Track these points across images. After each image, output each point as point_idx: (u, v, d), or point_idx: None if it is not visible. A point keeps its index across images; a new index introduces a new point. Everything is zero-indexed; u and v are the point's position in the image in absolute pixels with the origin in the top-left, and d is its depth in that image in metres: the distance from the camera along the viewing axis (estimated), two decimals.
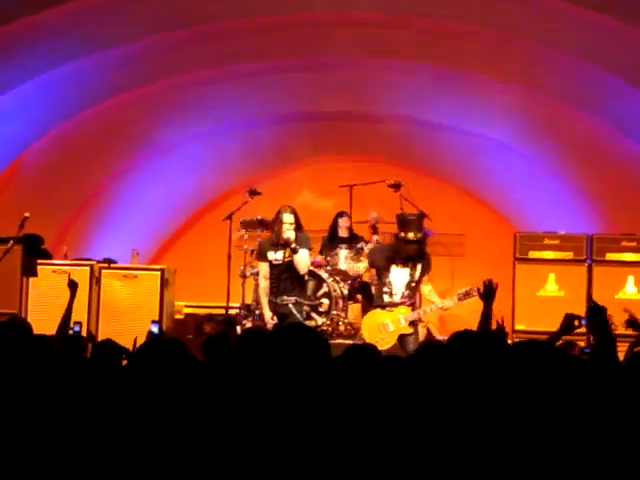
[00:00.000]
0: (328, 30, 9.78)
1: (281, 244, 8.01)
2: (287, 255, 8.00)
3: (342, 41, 9.87)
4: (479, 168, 11.57)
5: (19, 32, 9.00)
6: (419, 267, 7.82)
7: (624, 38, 8.90)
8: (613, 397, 3.02)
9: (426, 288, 7.90)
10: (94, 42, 9.46)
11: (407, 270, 7.81)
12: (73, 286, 6.42)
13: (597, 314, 3.95)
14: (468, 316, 8.54)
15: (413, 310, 7.82)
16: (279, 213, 8.05)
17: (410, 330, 7.75)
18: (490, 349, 3.07)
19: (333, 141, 11.83)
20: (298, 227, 8.04)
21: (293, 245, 7.93)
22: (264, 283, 8.12)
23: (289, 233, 7.93)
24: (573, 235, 9.64)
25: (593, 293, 9.14)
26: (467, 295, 7.48)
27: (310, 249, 8.23)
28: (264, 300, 8.08)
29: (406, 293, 7.81)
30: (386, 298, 7.83)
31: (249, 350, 3.65)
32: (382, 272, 7.85)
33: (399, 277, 7.82)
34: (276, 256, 8.09)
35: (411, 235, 7.75)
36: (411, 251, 7.77)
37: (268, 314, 8.00)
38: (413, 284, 7.84)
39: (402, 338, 7.74)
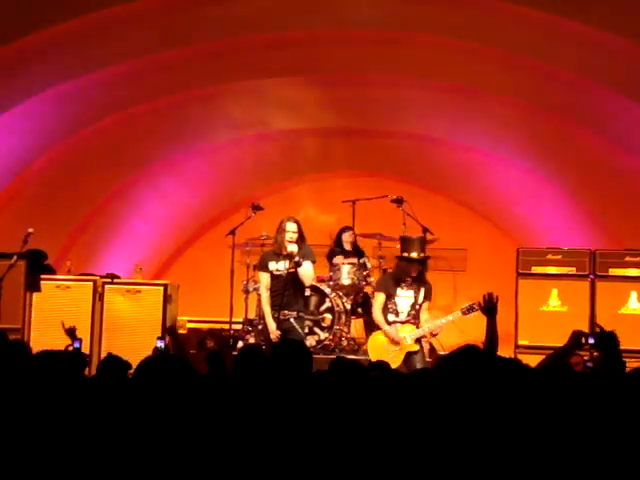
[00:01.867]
0: (330, 47, 9.81)
1: (283, 255, 7.93)
2: (289, 267, 7.90)
3: (342, 58, 9.90)
4: (481, 183, 11.60)
5: (20, 51, 9.04)
6: (422, 291, 7.89)
7: (626, 55, 8.93)
8: (618, 415, 3.03)
9: (423, 316, 7.94)
10: (95, 60, 9.49)
11: (411, 292, 7.90)
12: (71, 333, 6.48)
13: (606, 340, 3.92)
14: (471, 331, 8.57)
15: (417, 328, 7.86)
16: (282, 222, 7.97)
17: (416, 347, 7.80)
18: (485, 366, 3.08)
19: (336, 157, 11.86)
20: (301, 238, 7.96)
21: (296, 258, 7.81)
22: (266, 293, 8.04)
23: (292, 246, 7.83)
24: (576, 250, 9.62)
25: (596, 308, 9.14)
26: (471, 309, 7.51)
27: (314, 262, 8.13)
28: (267, 309, 7.99)
29: (412, 313, 7.87)
30: (391, 317, 7.89)
31: (246, 367, 3.67)
32: (390, 295, 7.90)
33: (404, 298, 7.88)
34: (277, 266, 8.00)
35: (414, 254, 7.83)
36: (414, 270, 7.83)
37: (272, 325, 7.91)
38: (417, 306, 7.89)
39: (408, 356, 7.77)
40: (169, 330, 6.61)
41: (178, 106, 10.76)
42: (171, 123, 11.02)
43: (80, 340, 6.34)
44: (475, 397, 2.92)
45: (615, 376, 3.70)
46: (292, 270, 7.89)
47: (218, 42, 9.75)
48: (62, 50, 9.27)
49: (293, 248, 7.83)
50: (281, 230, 7.96)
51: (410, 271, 7.86)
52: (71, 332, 6.44)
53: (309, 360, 3.71)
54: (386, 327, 7.86)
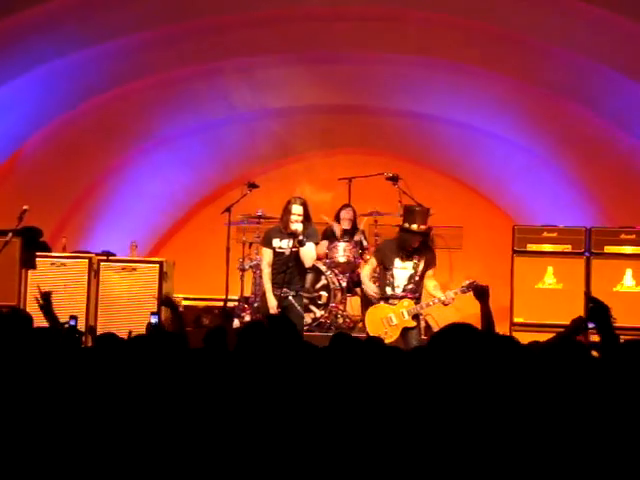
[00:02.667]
0: (325, 24, 9.77)
1: (288, 234, 7.96)
2: (292, 246, 7.94)
3: (340, 35, 9.87)
4: (477, 161, 11.58)
5: (15, 26, 9.00)
6: (423, 261, 7.82)
7: (623, 32, 8.91)
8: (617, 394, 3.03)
9: (430, 283, 7.86)
10: (91, 35, 9.46)
11: (410, 264, 7.80)
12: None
13: (599, 314, 3.93)
14: (467, 308, 8.57)
15: (416, 304, 7.82)
16: (289, 203, 8.01)
17: (413, 323, 7.75)
18: (481, 344, 3.08)
19: (332, 134, 11.82)
20: (307, 218, 8.01)
21: (300, 237, 7.87)
22: (267, 269, 8.06)
23: (297, 225, 7.89)
24: (572, 228, 9.63)
25: (591, 286, 9.14)
26: (470, 287, 7.46)
27: (317, 243, 8.22)
28: (268, 286, 8.00)
29: (409, 287, 7.81)
30: (388, 290, 7.82)
31: (250, 343, 3.67)
32: (386, 265, 7.86)
33: (402, 270, 7.82)
34: (281, 244, 8.04)
35: (415, 226, 7.76)
36: (415, 242, 7.77)
37: (273, 301, 7.93)
38: (417, 278, 7.82)
39: (405, 332, 7.74)
40: (165, 301, 6.50)
41: (174, 83, 10.73)
42: (167, 100, 10.99)
43: (75, 318, 6.29)
44: (467, 374, 2.93)
45: (610, 352, 3.70)
46: (295, 250, 7.94)
47: (214, 19, 9.71)
48: (56, 27, 9.24)
49: (298, 227, 7.89)
50: (287, 211, 8.00)
51: (410, 243, 7.79)
52: (47, 297, 6.11)
53: (297, 337, 3.72)
54: (368, 284, 7.89)
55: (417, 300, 7.84)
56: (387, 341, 7.19)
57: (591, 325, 4.26)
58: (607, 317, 3.91)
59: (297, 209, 7.94)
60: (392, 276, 7.80)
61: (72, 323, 6.02)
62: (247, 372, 3.43)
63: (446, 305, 7.75)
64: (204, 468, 3.04)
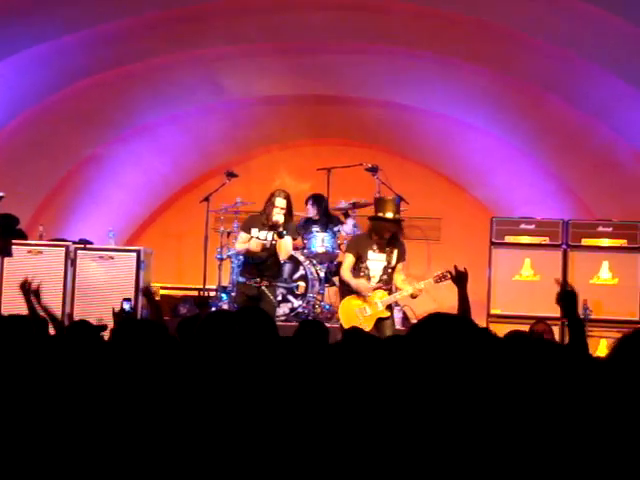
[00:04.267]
0: (305, 14, 9.75)
1: (269, 226, 8.09)
2: (272, 238, 8.11)
3: (319, 25, 9.84)
4: (457, 152, 11.60)
5: None
6: (395, 252, 7.84)
7: (601, 24, 8.93)
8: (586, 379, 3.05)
9: (399, 277, 7.89)
10: (71, 22, 9.38)
11: (384, 255, 7.83)
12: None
13: (567, 298, 3.98)
14: (444, 299, 8.60)
15: (390, 294, 7.84)
16: (272, 196, 8.19)
17: (387, 313, 7.78)
18: (462, 332, 3.09)
19: (311, 124, 11.81)
20: (289, 212, 8.15)
21: (280, 229, 8.03)
22: (242, 245, 8.31)
23: (278, 217, 8.03)
24: (549, 220, 9.68)
25: (568, 278, 9.18)
26: (443, 278, 7.50)
27: (295, 239, 8.43)
28: (244, 246, 8.25)
29: (383, 277, 7.83)
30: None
31: (214, 331, 3.68)
32: (361, 258, 7.86)
33: (376, 262, 7.83)
34: (259, 235, 8.18)
35: (389, 215, 7.78)
36: (387, 231, 7.77)
37: (255, 241, 8.17)
38: (389, 269, 7.85)
39: (379, 322, 7.76)
40: (144, 291, 6.48)
41: (151, 72, 10.66)
42: (146, 88, 10.92)
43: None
44: (445, 364, 2.93)
45: (577, 338, 3.74)
46: (274, 242, 8.11)
47: (196, 6, 9.67)
48: (35, 12, 9.15)
49: (279, 218, 8.04)
50: (270, 204, 8.14)
51: (383, 232, 7.78)
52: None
53: (272, 327, 3.73)
54: (354, 281, 7.77)
55: (390, 291, 7.86)
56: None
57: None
58: (575, 301, 3.98)
59: (280, 202, 8.10)
60: (367, 268, 7.82)
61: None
62: (211, 362, 3.43)
63: (414, 297, 7.79)
64: (181, 460, 3.03)
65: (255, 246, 8.19)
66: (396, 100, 11.09)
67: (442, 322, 3.16)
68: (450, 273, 5.32)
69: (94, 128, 11.17)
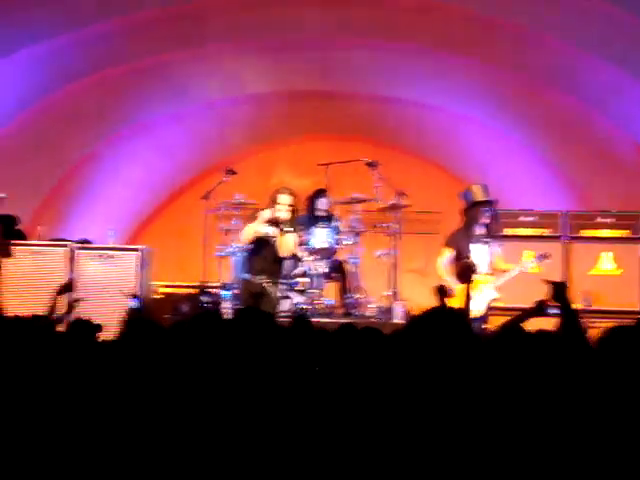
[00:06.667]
0: (300, 10, 9.75)
1: (274, 222, 8.21)
2: (275, 235, 8.25)
3: (315, 21, 9.84)
4: (456, 145, 11.59)
5: None
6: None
7: (596, 15, 8.92)
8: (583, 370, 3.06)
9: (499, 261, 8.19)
10: (69, 21, 9.39)
11: (486, 246, 8.08)
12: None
13: (557, 290, 4.01)
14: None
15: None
16: (276, 192, 8.22)
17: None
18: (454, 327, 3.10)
19: (310, 120, 11.81)
20: (293, 210, 8.21)
21: (282, 226, 8.12)
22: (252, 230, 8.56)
23: (282, 213, 8.12)
24: (549, 212, 9.69)
25: (568, 269, 9.20)
26: (544, 257, 7.86)
27: (299, 236, 8.56)
28: (253, 229, 8.49)
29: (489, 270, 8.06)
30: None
31: (202, 331, 3.69)
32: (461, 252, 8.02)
33: (480, 253, 8.04)
34: (264, 229, 8.31)
35: (484, 197, 8.15)
36: (486, 216, 8.10)
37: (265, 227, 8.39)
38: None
39: None
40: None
41: (152, 70, 10.67)
42: (145, 87, 10.93)
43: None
44: (442, 357, 2.95)
45: (570, 329, 3.75)
46: (275, 238, 8.30)
47: (193, 5, 9.68)
48: (32, 12, 9.16)
49: (282, 215, 8.22)
50: (274, 200, 8.31)
51: (481, 217, 7.93)
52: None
53: (272, 326, 3.74)
54: (445, 277, 7.93)
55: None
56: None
57: (553, 311, 4.33)
58: (565, 294, 4.02)
59: (284, 199, 8.20)
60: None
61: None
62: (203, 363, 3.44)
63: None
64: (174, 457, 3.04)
65: (262, 230, 8.28)
66: (393, 94, 11.08)
67: (439, 318, 3.18)
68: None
69: (93, 127, 11.18)
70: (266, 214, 8.28)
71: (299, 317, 4.51)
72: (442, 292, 5.17)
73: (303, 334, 3.96)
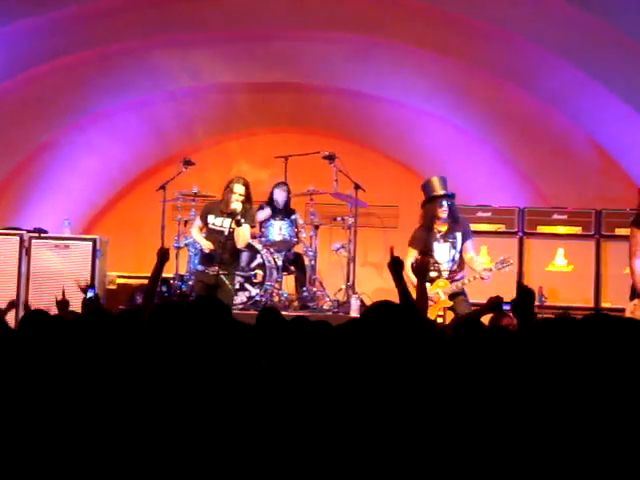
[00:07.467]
0: (263, 1, 9.72)
1: (227, 213, 8.10)
2: (230, 226, 8.08)
3: (276, 12, 9.81)
4: (414, 140, 11.61)
5: None
6: (459, 236, 8.03)
7: (557, 12, 8.99)
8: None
9: (467, 257, 8.02)
10: (27, 7, 9.26)
11: (448, 244, 7.95)
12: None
13: (524, 298, 4.03)
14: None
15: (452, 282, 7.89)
16: (231, 182, 8.22)
17: (450, 303, 7.85)
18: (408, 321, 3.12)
19: (269, 112, 11.77)
20: (247, 199, 8.15)
21: (238, 217, 8.03)
22: (197, 230, 8.48)
23: (236, 204, 8.03)
24: (505, 208, 9.77)
25: (524, 265, 9.28)
26: (504, 263, 7.68)
27: (253, 226, 8.43)
28: (200, 236, 8.39)
29: (454, 268, 7.96)
30: (434, 275, 7.91)
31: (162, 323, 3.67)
32: (425, 251, 7.93)
33: (442, 252, 7.94)
34: (215, 221, 8.23)
35: (442, 192, 8.03)
36: (442, 210, 7.98)
37: (206, 243, 8.25)
38: (458, 255, 7.99)
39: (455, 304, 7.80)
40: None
41: (111, 58, 10.56)
42: (104, 75, 10.81)
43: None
44: (392, 350, 2.96)
45: (527, 330, 3.79)
46: (232, 230, 8.09)
47: None
48: None
49: (237, 206, 8.05)
50: (228, 190, 8.16)
51: (438, 212, 7.85)
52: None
53: (227, 315, 3.73)
54: (413, 279, 7.85)
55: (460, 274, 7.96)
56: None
57: (506, 307, 4.38)
58: (532, 302, 4.04)
59: (239, 188, 8.13)
60: (436, 261, 7.86)
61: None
62: (163, 354, 3.42)
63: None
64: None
65: (205, 247, 8.24)
66: (352, 88, 11.08)
67: (388, 311, 3.21)
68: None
69: (49, 115, 11.04)
70: (198, 223, 8.41)
71: (266, 309, 4.48)
72: (397, 265, 4.95)
73: (266, 326, 3.94)
